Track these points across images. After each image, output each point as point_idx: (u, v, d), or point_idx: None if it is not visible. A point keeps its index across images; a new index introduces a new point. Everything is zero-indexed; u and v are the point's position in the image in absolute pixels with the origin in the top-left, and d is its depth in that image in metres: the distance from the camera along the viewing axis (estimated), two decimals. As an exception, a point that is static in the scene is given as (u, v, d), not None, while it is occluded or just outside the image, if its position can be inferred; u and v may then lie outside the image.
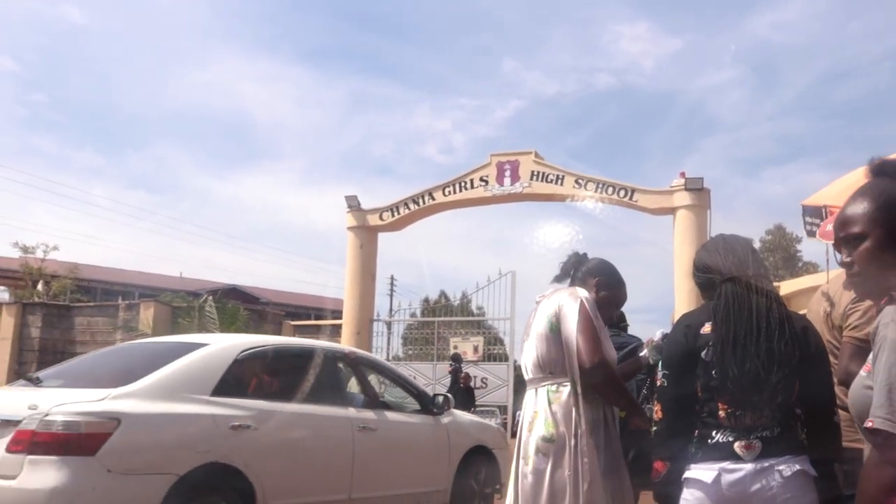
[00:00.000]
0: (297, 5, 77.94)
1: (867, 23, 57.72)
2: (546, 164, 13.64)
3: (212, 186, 72.53)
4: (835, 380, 2.23)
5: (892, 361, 1.39)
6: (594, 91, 70.06)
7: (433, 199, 14.32)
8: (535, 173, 13.54)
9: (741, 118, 66.56)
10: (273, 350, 5.10)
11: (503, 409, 13.22)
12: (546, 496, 2.57)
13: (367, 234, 14.73)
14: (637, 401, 2.81)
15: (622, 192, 13.02)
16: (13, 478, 3.66)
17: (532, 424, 2.68)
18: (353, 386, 5.82)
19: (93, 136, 70.03)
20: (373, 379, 6.07)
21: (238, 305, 15.50)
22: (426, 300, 22.01)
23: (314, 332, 16.14)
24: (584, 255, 3.07)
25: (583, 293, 2.79)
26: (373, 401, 5.54)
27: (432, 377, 13.53)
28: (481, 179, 13.90)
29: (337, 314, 16.49)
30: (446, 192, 14.21)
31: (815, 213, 5.38)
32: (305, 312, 29.04)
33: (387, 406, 5.64)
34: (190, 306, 14.24)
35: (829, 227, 4.12)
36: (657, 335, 3.00)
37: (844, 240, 1.62)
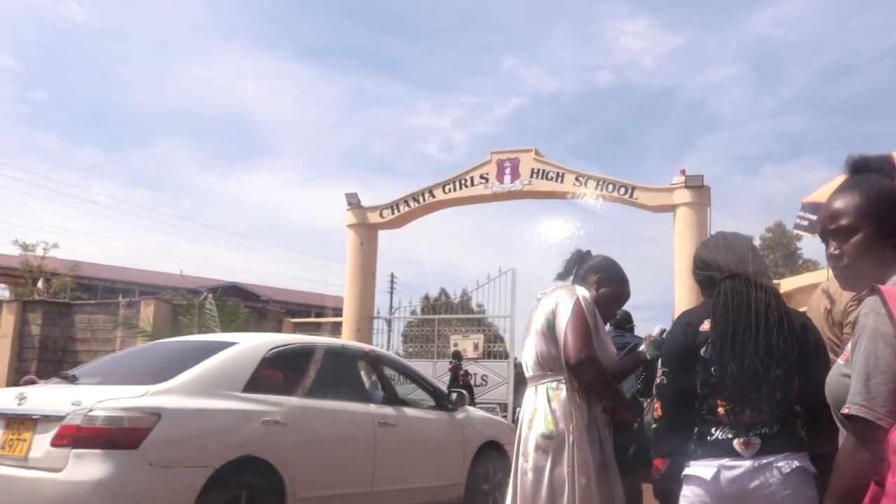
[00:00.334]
0: (298, 2, 77.93)
1: (868, 19, 57.71)
2: (546, 161, 13.64)
3: (212, 184, 72.56)
4: None
5: (871, 350, 1.42)
6: (594, 88, 70.03)
7: (433, 196, 14.31)
8: (536, 171, 13.54)
9: (742, 115, 66.53)
10: (299, 348, 5.27)
11: (503, 406, 13.22)
12: (546, 492, 2.59)
13: (367, 232, 14.73)
14: (625, 396, 2.83)
15: (622, 190, 13.02)
16: (59, 470, 3.82)
17: (532, 421, 2.71)
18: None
19: (93, 134, 70.05)
20: (390, 376, 6.23)
21: (238, 303, 15.48)
22: (426, 298, 22.04)
23: (314, 329, 16.14)
24: (588, 252, 3.08)
25: (581, 291, 2.80)
26: (391, 397, 5.70)
27: (432, 375, 13.49)
28: (481, 177, 13.90)
29: (337, 312, 16.50)
30: (446, 190, 14.20)
31: (814, 210, 5.39)
32: (306, 310, 29.03)
33: (404, 402, 5.80)
34: (190, 304, 14.20)
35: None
36: (655, 331, 3.02)
37: (834, 232, 1.64)
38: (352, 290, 14.56)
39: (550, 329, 2.74)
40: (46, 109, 65.63)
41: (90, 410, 3.87)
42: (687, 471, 2.06)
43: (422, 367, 13.81)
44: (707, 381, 2.06)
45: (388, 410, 5.41)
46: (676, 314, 2.32)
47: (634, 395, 2.96)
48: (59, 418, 3.92)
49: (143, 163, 66.22)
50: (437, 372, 13.54)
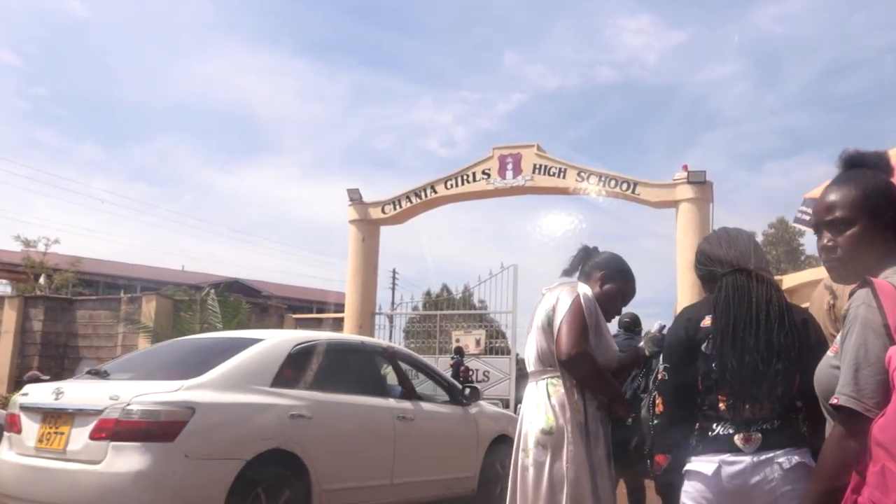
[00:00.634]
0: (299, -2, 77.83)
1: (869, 16, 57.67)
2: (548, 157, 13.62)
3: (214, 180, 72.57)
4: None
5: (860, 342, 1.44)
6: (596, 84, 69.97)
7: (435, 192, 14.29)
8: (538, 166, 13.52)
9: (744, 112, 66.55)
10: (322, 344, 5.40)
11: (505, 402, 13.22)
12: (546, 487, 2.61)
13: (368, 228, 14.71)
14: (621, 391, 2.83)
15: (624, 186, 13.00)
16: (98, 463, 3.96)
17: (532, 417, 2.70)
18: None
19: (94, 130, 70.01)
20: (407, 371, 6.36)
21: (240, 299, 15.46)
22: (428, 293, 22.05)
23: (316, 325, 16.15)
24: (595, 248, 3.09)
25: (583, 288, 2.81)
26: (409, 392, 5.82)
27: (434, 370, 13.53)
28: (483, 172, 13.88)
29: (339, 307, 16.51)
30: (448, 186, 14.18)
31: (815, 205, 5.37)
32: (308, 306, 29.04)
33: (421, 397, 5.93)
34: (192, 300, 14.18)
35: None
36: (654, 327, 3.02)
37: (829, 224, 1.67)
38: (353, 286, 14.55)
39: (550, 325, 2.75)
40: (47, 105, 65.66)
41: (128, 405, 4.01)
42: (688, 466, 2.06)
43: (424, 362, 13.89)
44: (708, 377, 2.06)
45: (406, 405, 5.56)
46: (679, 310, 2.31)
47: (636, 391, 2.95)
48: (97, 412, 4.06)
49: (144, 159, 66.26)
50: (438, 368, 13.53)
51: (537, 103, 71.15)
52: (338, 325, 15.10)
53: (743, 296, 2.07)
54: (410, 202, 14.46)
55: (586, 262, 3.04)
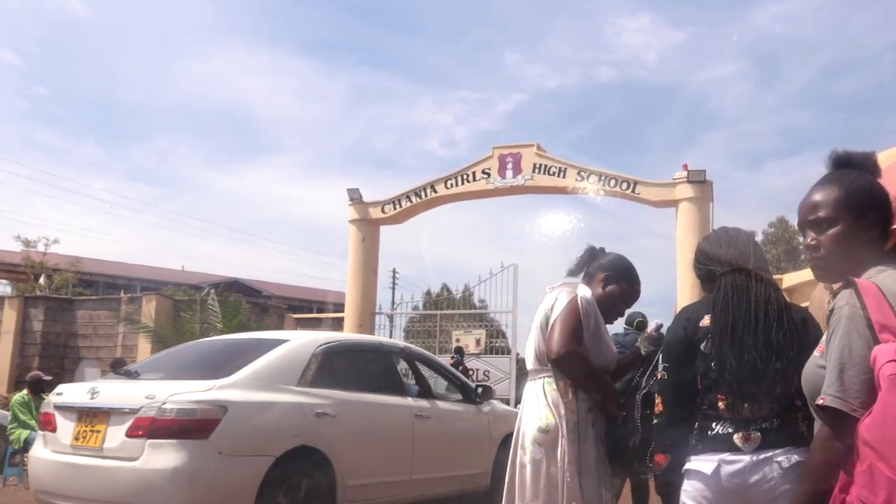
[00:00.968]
0: (299, -2, 77.83)
1: (870, 15, 57.62)
2: (548, 156, 13.63)
3: (214, 180, 72.58)
4: None
5: (845, 342, 1.46)
6: (596, 84, 69.98)
7: (435, 191, 14.30)
8: (538, 166, 13.53)
9: (744, 111, 66.53)
10: (344, 345, 5.61)
11: (506, 402, 13.21)
12: (543, 485, 2.62)
13: (368, 227, 14.72)
14: (615, 390, 2.83)
15: (624, 185, 13.02)
16: (135, 459, 4.10)
17: (530, 415, 2.72)
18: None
19: (94, 130, 70.01)
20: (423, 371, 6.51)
21: (240, 299, 15.47)
22: (428, 293, 22.03)
23: (316, 325, 16.16)
24: (601, 249, 3.09)
25: (582, 290, 2.81)
26: (426, 391, 5.97)
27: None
28: (483, 172, 13.89)
29: (339, 307, 16.51)
30: (448, 185, 14.19)
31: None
32: (308, 306, 29.05)
33: (436, 396, 6.09)
34: (192, 300, 14.19)
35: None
36: (651, 326, 3.03)
37: (812, 223, 1.69)
38: (354, 286, 14.55)
39: (546, 324, 2.76)
40: (47, 105, 65.66)
41: (164, 404, 4.15)
42: (687, 465, 2.06)
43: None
44: (707, 376, 2.06)
45: (423, 403, 5.72)
46: (678, 309, 2.32)
47: (633, 390, 2.96)
48: (133, 411, 4.20)
49: (144, 158, 66.26)
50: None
51: (537, 103, 71.21)
52: (338, 324, 15.10)
53: (742, 295, 2.08)
54: (410, 202, 14.46)
55: (591, 262, 3.04)
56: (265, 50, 74.19)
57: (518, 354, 13.60)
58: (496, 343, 14.63)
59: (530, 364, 2.87)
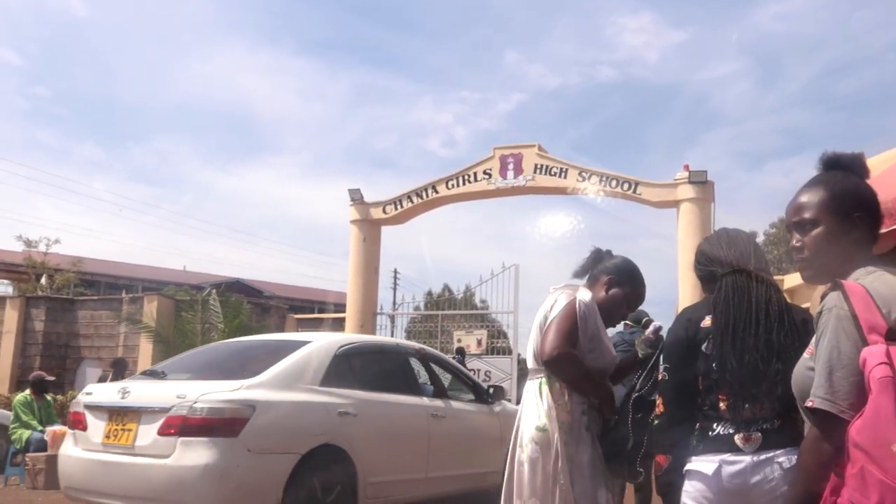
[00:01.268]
0: (300, -2, 77.78)
1: (871, 15, 57.67)
2: (549, 157, 13.63)
3: (214, 180, 72.61)
4: None
5: (833, 345, 1.47)
6: (597, 84, 69.99)
7: (436, 192, 14.30)
8: (539, 166, 13.53)
9: (745, 111, 66.52)
10: (363, 346, 5.80)
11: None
12: (540, 484, 2.63)
13: (370, 228, 14.71)
14: (610, 392, 2.84)
15: (626, 185, 13.01)
16: (167, 457, 4.21)
17: (528, 414, 2.73)
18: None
19: (94, 130, 70.05)
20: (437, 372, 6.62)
21: (241, 299, 15.47)
22: (429, 293, 22.01)
23: (317, 325, 16.17)
24: (607, 252, 3.09)
25: (582, 294, 2.82)
26: (440, 391, 6.12)
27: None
28: (484, 172, 13.89)
29: (339, 307, 16.51)
30: (449, 186, 14.18)
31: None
32: (309, 306, 29.06)
33: (450, 396, 6.21)
34: (193, 300, 14.18)
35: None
36: (649, 329, 3.03)
37: (797, 224, 1.71)
38: (355, 286, 14.54)
39: (544, 325, 2.77)
40: (48, 105, 65.72)
41: (194, 403, 4.27)
42: (689, 466, 2.07)
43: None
44: (708, 377, 2.07)
45: (438, 403, 5.87)
46: (680, 310, 2.32)
47: (630, 391, 2.96)
48: (165, 410, 4.31)
49: (144, 158, 66.28)
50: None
51: (538, 103, 71.22)
52: (339, 325, 15.11)
53: (742, 296, 2.09)
54: (411, 202, 14.46)
55: (597, 265, 3.04)
56: (266, 49, 74.26)
57: (519, 355, 13.60)
58: (497, 343, 14.62)
59: (530, 364, 2.90)
